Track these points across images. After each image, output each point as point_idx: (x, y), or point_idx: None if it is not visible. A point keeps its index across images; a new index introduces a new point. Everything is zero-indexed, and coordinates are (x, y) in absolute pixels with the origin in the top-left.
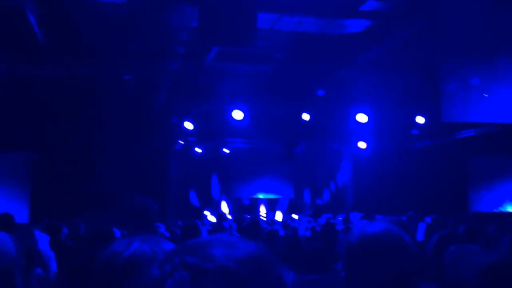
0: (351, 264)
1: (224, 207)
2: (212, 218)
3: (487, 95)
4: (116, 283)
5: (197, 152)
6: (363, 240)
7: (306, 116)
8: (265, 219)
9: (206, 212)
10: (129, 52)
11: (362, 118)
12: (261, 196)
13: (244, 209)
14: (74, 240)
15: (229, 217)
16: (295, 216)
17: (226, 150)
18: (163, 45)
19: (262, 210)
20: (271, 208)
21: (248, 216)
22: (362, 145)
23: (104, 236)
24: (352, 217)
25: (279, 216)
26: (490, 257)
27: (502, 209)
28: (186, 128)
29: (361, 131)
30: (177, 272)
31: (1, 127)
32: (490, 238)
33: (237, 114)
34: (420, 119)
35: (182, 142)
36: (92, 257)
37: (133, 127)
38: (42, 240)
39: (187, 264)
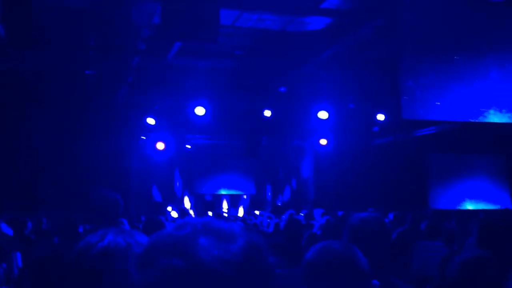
0: (312, 279)
1: (187, 203)
2: (174, 214)
3: (439, 103)
4: (90, 274)
5: (159, 148)
6: (322, 257)
7: (267, 113)
8: (227, 215)
9: (168, 208)
10: (91, 47)
11: (323, 114)
12: (223, 192)
13: (207, 205)
14: (37, 234)
15: (191, 212)
16: (256, 212)
17: (188, 146)
18: (125, 40)
19: (225, 206)
20: (233, 204)
21: (211, 212)
22: (323, 141)
23: (68, 230)
24: (315, 213)
25: (241, 212)
26: (457, 254)
27: (462, 207)
28: (148, 124)
29: (323, 127)
30: (162, 277)
31: None
32: (451, 235)
33: (199, 110)
34: (380, 116)
35: (144, 138)
36: (57, 251)
37: (95, 122)
38: (6, 233)
39: (174, 269)
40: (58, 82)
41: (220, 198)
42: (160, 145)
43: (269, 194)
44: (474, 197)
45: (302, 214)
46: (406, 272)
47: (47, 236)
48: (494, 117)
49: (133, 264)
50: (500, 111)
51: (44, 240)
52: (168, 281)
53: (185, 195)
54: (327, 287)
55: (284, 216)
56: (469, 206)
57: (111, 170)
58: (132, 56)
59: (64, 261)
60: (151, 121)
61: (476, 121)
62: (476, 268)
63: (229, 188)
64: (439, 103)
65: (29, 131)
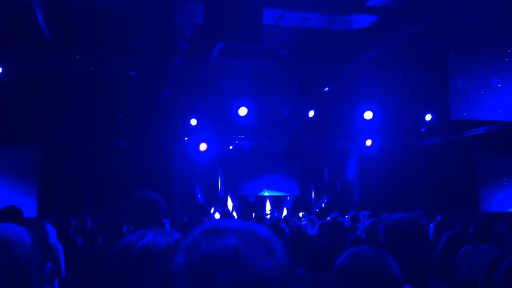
0: (341, 284)
1: (229, 204)
2: (217, 215)
3: (489, 103)
4: (130, 272)
5: (202, 149)
6: (352, 263)
7: (311, 113)
8: (269, 216)
9: (211, 209)
10: (134, 48)
11: (368, 115)
12: (266, 193)
13: (250, 206)
14: (82, 234)
15: (234, 214)
16: (300, 214)
17: (230, 147)
18: (168, 41)
19: (268, 208)
20: (277, 205)
21: (254, 214)
22: (369, 142)
23: (112, 231)
24: (361, 216)
25: (285, 213)
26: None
27: None
28: (191, 125)
29: (368, 128)
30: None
31: (9, 122)
32: (501, 238)
33: (242, 111)
34: (427, 117)
35: (187, 139)
36: (103, 252)
37: (138, 123)
38: (52, 233)
39: (236, 282)
40: (101, 83)
41: (263, 199)
42: (203, 146)
43: (313, 195)
44: None
45: (347, 217)
46: (453, 276)
47: (91, 237)
48: None
49: (183, 275)
50: None
51: (89, 240)
52: None
53: (228, 196)
54: None
55: (328, 219)
56: None
57: (155, 171)
58: (175, 56)
59: (108, 261)
60: (194, 122)
61: None
62: None
63: (272, 189)
64: (489, 102)
65: (73, 132)
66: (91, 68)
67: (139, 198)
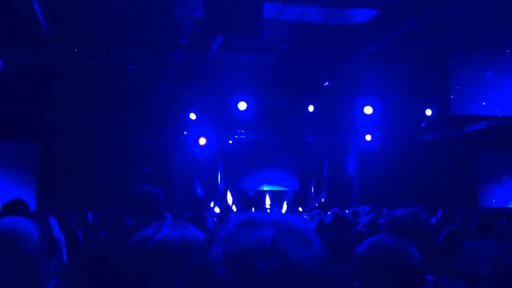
0: (363, 274)
1: (229, 198)
2: (216, 210)
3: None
4: (146, 266)
5: (201, 143)
6: (374, 252)
7: (311, 108)
8: (269, 211)
9: (211, 204)
10: (133, 42)
11: (368, 110)
12: (266, 188)
13: (249, 201)
14: (83, 228)
15: (234, 208)
16: (299, 209)
17: (230, 142)
18: (166, 35)
19: (267, 202)
20: (276, 200)
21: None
22: (368, 137)
23: (115, 224)
24: (361, 211)
25: (285, 208)
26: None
27: None
28: (190, 119)
29: (368, 123)
30: (263, 279)
31: (8, 116)
32: (502, 233)
33: (242, 105)
34: (427, 111)
35: (186, 133)
36: (108, 246)
37: (137, 117)
38: (55, 227)
39: (276, 271)
40: (100, 77)
41: (263, 194)
42: (202, 141)
43: (313, 190)
44: None
45: (348, 212)
46: (454, 271)
47: (93, 230)
48: None
49: (222, 265)
50: None
51: (91, 234)
52: (270, 282)
53: (227, 190)
54: (378, 283)
55: (329, 213)
56: None
57: (154, 166)
58: (174, 50)
59: (115, 255)
60: (193, 116)
61: None
62: None
63: (272, 184)
64: (489, 97)
65: (73, 125)
66: (90, 62)
67: (139, 192)
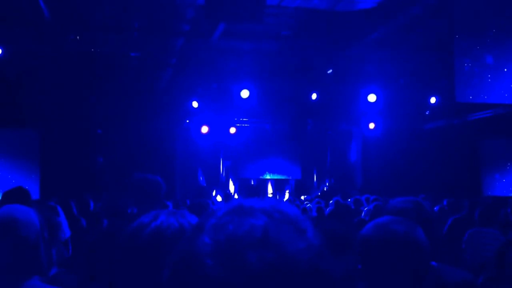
0: (367, 257)
1: (231, 187)
2: (218, 198)
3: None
4: (143, 254)
5: (204, 131)
6: (379, 235)
7: (314, 95)
8: None
9: (213, 192)
10: (134, 29)
11: (372, 97)
12: (268, 176)
13: (251, 190)
14: (85, 216)
15: (236, 197)
16: (301, 198)
17: (232, 130)
18: (168, 22)
19: (270, 191)
20: (279, 188)
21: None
22: (372, 125)
23: (117, 212)
24: (363, 200)
25: (287, 197)
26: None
27: None
28: (193, 107)
29: (371, 111)
30: (255, 271)
31: (9, 103)
32: (506, 221)
33: (244, 93)
34: (432, 99)
35: (188, 121)
36: (110, 233)
37: (139, 105)
38: (61, 214)
39: (269, 263)
40: (101, 64)
41: (265, 182)
42: (205, 129)
43: (315, 179)
44: None
45: (350, 200)
46: (459, 260)
47: (95, 218)
48: None
49: (211, 256)
50: None
51: (93, 222)
52: (262, 275)
53: (229, 179)
54: (383, 266)
55: (331, 202)
56: None
57: (156, 154)
58: (176, 37)
59: (116, 242)
60: (195, 104)
61: None
62: None
63: (274, 172)
64: (495, 85)
65: (75, 113)
66: (91, 49)
67: (139, 181)
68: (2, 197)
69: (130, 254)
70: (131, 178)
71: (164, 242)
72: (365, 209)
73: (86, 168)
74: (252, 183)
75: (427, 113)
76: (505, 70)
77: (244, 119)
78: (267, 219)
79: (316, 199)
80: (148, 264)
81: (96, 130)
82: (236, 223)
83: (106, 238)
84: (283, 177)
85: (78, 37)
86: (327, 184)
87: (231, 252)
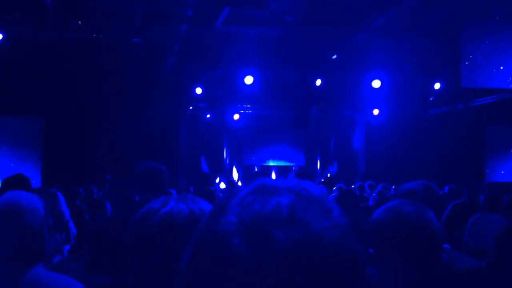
0: (378, 241)
1: (235, 174)
2: (222, 185)
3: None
4: (152, 241)
5: (207, 118)
6: (390, 219)
7: (318, 82)
8: None
9: (216, 179)
10: (137, 15)
11: (376, 83)
12: (272, 163)
13: (255, 177)
14: (88, 203)
15: (240, 184)
16: None
17: (236, 116)
18: (171, 8)
19: (273, 177)
20: (282, 175)
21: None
22: (376, 112)
23: (121, 200)
24: (366, 186)
25: None
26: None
27: None
28: (196, 94)
29: (375, 97)
30: (281, 250)
31: (11, 91)
32: (510, 208)
33: (248, 79)
34: (436, 85)
35: (191, 108)
36: (114, 221)
37: (142, 92)
38: (61, 202)
39: (295, 241)
40: (104, 51)
41: (269, 169)
42: (208, 116)
43: (319, 165)
44: None
45: (354, 186)
46: (461, 245)
47: (99, 205)
48: None
49: (237, 234)
50: None
51: (96, 209)
52: (289, 253)
53: (233, 166)
54: (396, 250)
55: (334, 189)
56: None
57: (159, 141)
58: (179, 23)
59: (121, 230)
60: (199, 91)
61: None
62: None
63: (278, 159)
64: (502, 68)
65: (76, 101)
66: (94, 35)
67: (143, 169)
68: (1, 184)
69: (139, 241)
70: (135, 166)
71: (174, 229)
72: (371, 196)
73: (89, 156)
74: (256, 170)
75: (431, 99)
76: (510, 55)
77: (248, 106)
78: (294, 197)
79: (320, 185)
80: (157, 250)
81: (98, 117)
82: (261, 201)
83: (110, 226)
84: (286, 164)
85: (80, 23)
86: (330, 171)
87: (258, 230)
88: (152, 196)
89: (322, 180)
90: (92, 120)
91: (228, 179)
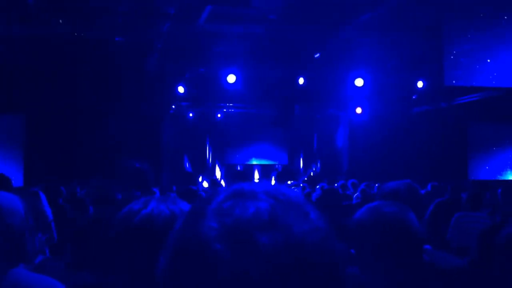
0: (360, 241)
1: (218, 173)
2: (205, 184)
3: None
4: (133, 241)
5: (190, 117)
6: (372, 219)
7: (301, 80)
8: None
9: (199, 178)
10: (119, 12)
11: (359, 82)
12: (255, 162)
13: (238, 175)
14: (71, 203)
15: (222, 183)
16: (288, 183)
17: (218, 115)
18: (154, 5)
19: (256, 177)
20: (265, 174)
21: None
22: (359, 110)
23: (104, 199)
24: (349, 184)
25: (273, 182)
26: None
27: (503, 177)
28: (179, 92)
29: (359, 95)
30: (262, 253)
31: None
32: (494, 205)
33: (231, 78)
34: (419, 83)
35: (174, 107)
36: (96, 220)
37: (125, 90)
38: (43, 201)
39: (276, 244)
40: (86, 49)
41: (252, 168)
42: (191, 114)
43: (302, 164)
44: None
45: (337, 185)
46: (442, 243)
47: (81, 205)
48: None
49: (219, 240)
50: None
51: (79, 208)
52: (273, 257)
53: (216, 165)
54: (377, 250)
55: (318, 187)
56: (511, 176)
57: (142, 140)
58: (162, 21)
59: (103, 229)
60: (181, 89)
61: None
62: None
63: (260, 158)
64: (483, 68)
65: (59, 98)
66: (75, 34)
67: (127, 168)
68: None
69: (120, 242)
70: (119, 165)
71: (154, 230)
72: (355, 195)
73: (72, 154)
74: (239, 168)
75: (414, 97)
76: (492, 54)
77: (231, 104)
78: (273, 201)
79: (304, 184)
80: (138, 252)
81: (81, 115)
82: (241, 206)
83: (93, 225)
84: (269, 163)
85: (61, 21)
86: (314, 169)
87: (240, 235)
88: (135, 194)
89: (305, 178)
90: (75, 118)
91: (211, 178)
